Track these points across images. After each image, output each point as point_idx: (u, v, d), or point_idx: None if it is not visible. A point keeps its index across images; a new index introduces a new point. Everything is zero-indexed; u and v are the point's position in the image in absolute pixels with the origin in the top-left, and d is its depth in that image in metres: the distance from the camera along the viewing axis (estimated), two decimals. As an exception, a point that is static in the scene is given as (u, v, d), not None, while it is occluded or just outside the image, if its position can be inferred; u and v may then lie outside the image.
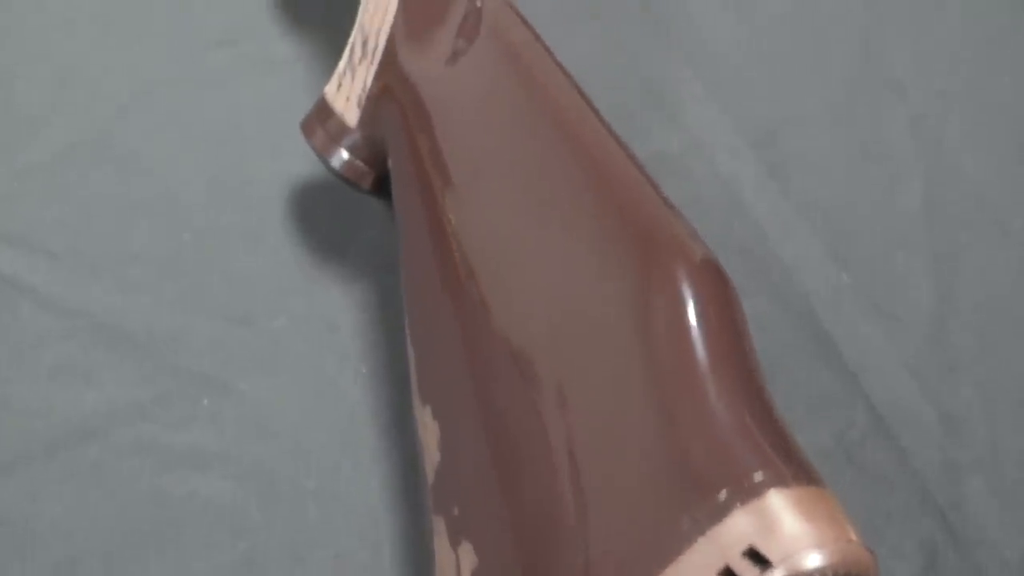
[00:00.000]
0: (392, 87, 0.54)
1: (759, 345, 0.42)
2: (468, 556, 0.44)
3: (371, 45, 0.55)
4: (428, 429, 0.47)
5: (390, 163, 0.54)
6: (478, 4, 0.52)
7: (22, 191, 0.60)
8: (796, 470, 0.38)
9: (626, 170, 0.46)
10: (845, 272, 0.57)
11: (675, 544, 0.37)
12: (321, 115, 0.56)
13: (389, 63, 0.54)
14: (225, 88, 0.62)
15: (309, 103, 0.57)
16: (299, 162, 0.59)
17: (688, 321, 0.41)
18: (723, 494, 0.37)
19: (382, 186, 0.55)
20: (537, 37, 0.51)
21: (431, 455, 0.47)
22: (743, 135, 0.60)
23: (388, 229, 0.57)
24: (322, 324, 0.57)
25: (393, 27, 0.54)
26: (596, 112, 0.48)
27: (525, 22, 0.52)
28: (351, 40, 0.55)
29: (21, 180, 0.61)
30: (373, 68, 0.55)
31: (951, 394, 0.54)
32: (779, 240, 0.58)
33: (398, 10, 0.54)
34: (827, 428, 0.54)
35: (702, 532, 0.37)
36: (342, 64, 0.55)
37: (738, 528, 0.37)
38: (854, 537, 0.37)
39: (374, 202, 0.58)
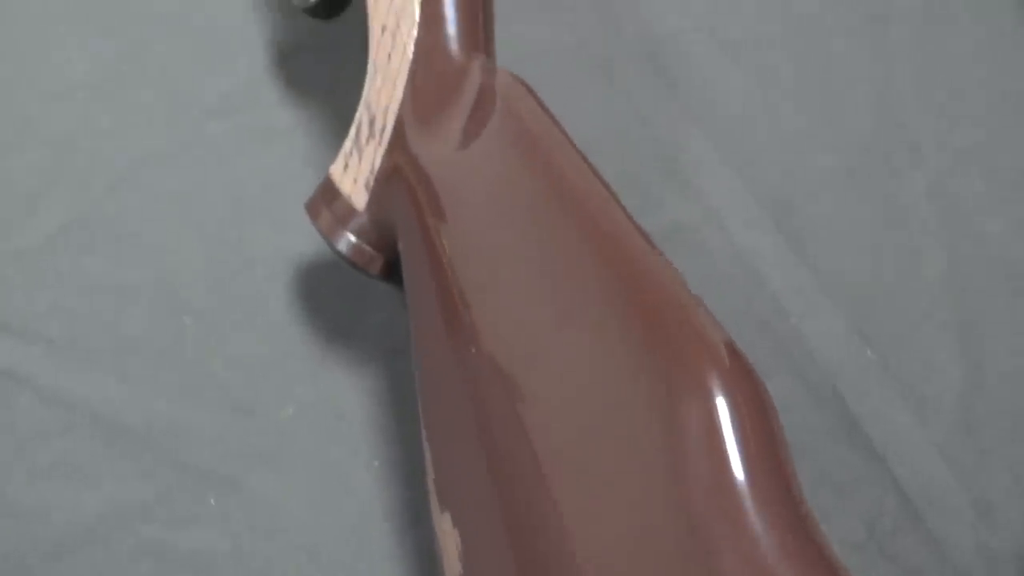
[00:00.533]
0: (402, 169, 0.52)
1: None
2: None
3: (379, 124, 0.53)
4: (448, 537, 0.46)
5: (400, 246, 0.52)
6: (491, 81, 0.50)
7: (15, 276, 0.58)
8: (843, 600, 0.36)
9: (649, 265, 0.44)
10: (869, 348, 0.55)
11: None
12: (327, 196, 0.54)
13: (398, 144, 0.52)
14: (223, 161, 0.61)
15: (311, 174, 0.55)
16: (303, 239, 0.57)
17: (721, 433, 0.39)
18: (769, 630, 0.36)
19: (392, 271, 0.54)
20: (547, 112, 0.49)
21: (452, 565, 0.45)
22: (759, 203, 0.59)
23: (398, 311, 0.55)
24: (331, 413, 0.55)
25: (402, 105, 0.52)
26: (611, 192, 0.46)
27: (536, 98, 0.50)
28: (357, 118, 0.53)
29: (14, 264, 0.59)
30: (381, 149, 0.52)
31: (983, 477, 0.53)
32: (800, 315, 0.56)
33: (407, 86, 0.52)
34: (856, 515, 0.52)
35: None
36: (348, 144, 0.53)
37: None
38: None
39: (382, 283, 0.56)
